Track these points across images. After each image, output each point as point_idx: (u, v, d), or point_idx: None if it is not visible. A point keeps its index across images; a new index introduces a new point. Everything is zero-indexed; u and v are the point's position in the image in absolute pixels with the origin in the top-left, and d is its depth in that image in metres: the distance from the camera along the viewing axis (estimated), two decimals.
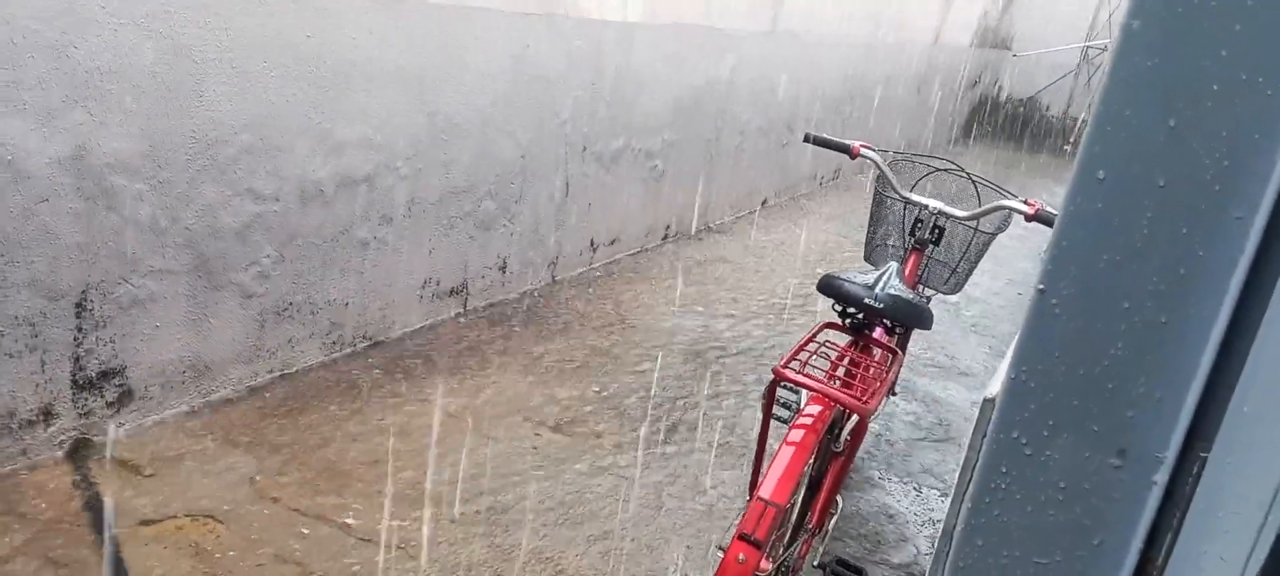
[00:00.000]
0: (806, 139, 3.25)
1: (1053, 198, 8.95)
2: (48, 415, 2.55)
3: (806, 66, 6.84)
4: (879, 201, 3.26)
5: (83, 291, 2.52)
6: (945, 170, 3.23)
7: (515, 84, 3.91)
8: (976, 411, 1.09)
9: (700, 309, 4.62)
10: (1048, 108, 13.33)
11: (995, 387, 0.77)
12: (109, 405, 2.71)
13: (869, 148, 3.10)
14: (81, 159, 2.42)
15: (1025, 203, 2.72)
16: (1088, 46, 12.79)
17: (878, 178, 3.13)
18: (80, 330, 2.55)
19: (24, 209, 2.33)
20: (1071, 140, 12.98)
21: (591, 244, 4.90)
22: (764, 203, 6.96)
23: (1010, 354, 0.75)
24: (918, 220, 2.95)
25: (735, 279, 5.21)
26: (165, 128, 2.59)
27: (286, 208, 3.06)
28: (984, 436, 0.69)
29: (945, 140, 11.73)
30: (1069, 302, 0.65)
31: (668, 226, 5.64)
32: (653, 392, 3.59)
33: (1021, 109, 13.40)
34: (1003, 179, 9.74)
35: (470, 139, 3.77)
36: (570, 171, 4.50)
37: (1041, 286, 0.67)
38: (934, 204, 2.90)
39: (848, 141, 3.10)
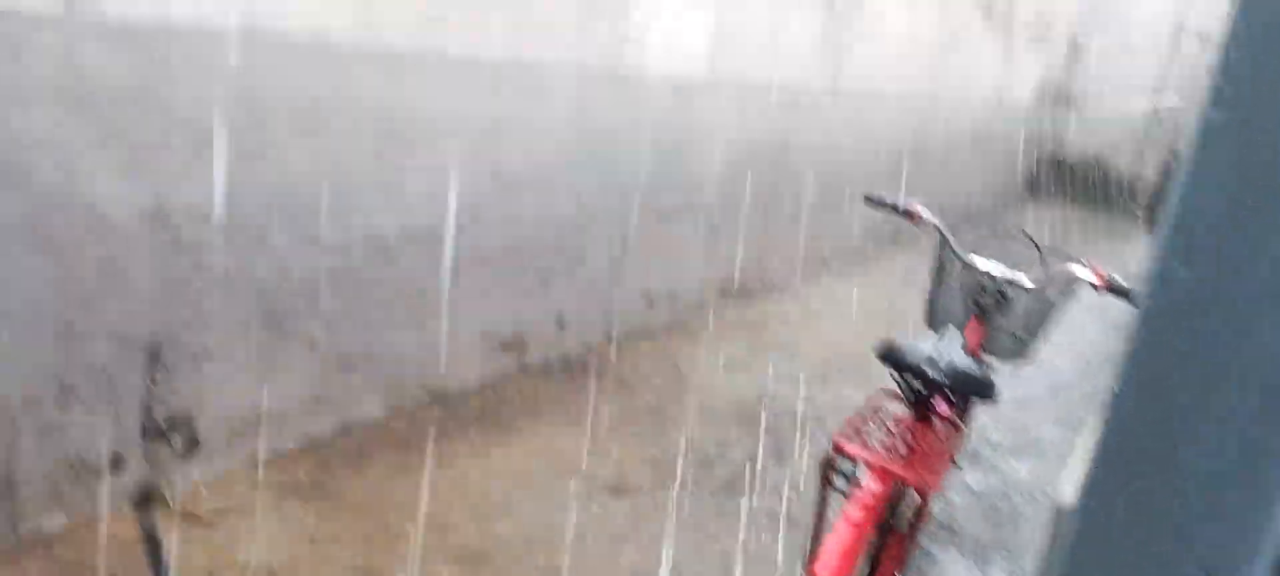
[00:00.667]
0: (866, 201, 3.22)
1: (1121, 262, 8.73)
2: (117, 464, 2.62)
3: (867, 123, 6.81)
4: (940, 265, 3.21)
5: (155, 341, 2.60)
6: (1009, 235, 3.18)
7: (577, 139, 3.96)
8: (1045, 490, 1.05)
9: (757, 368, 4.57)
10: (1115, 167, 13.05)
11: (1067, 490, 0.74)
12: (176, 454, 2.77)
13: (929, 211, 3.06)
14: (161, 209, 2.50)
15: (1094, 271, 2.65)
16: (1157, 106, 12.52)
17: (939, 241, 3.08)
18: (152, 379, 2.63)
19: (105, 258, 2.42)
20: (1141, 201, 12.68)
21: (649, 299, 4.91)
22: (823, 260, 6.91)
23: (1081, 449, 0.72)
24: (980, 286, 2.89)
25: (793, 337, 5.15)
26: (241, 179, 2.67)
27: (352, 259, 3.12)
28: (1058, 549, 0.66)
29: (1007, 199, 11.55)
30: (1146, 409, 0.63)
31: (725, 282, 5.62)
32: (707, 454, 3.55)
33: (1088, 167, 13.15)
34: (1069, 241, 9.52)
35: (532, 193, 3.83)
36: (629, 227, 4.53)
37: (1116, 391, 0.64)
38: (997, 269, 2.84)
39: (908, 203, 3.07)
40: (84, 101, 2.28)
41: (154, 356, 2.60)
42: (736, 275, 5.71)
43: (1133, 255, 9.45)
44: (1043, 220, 10.75)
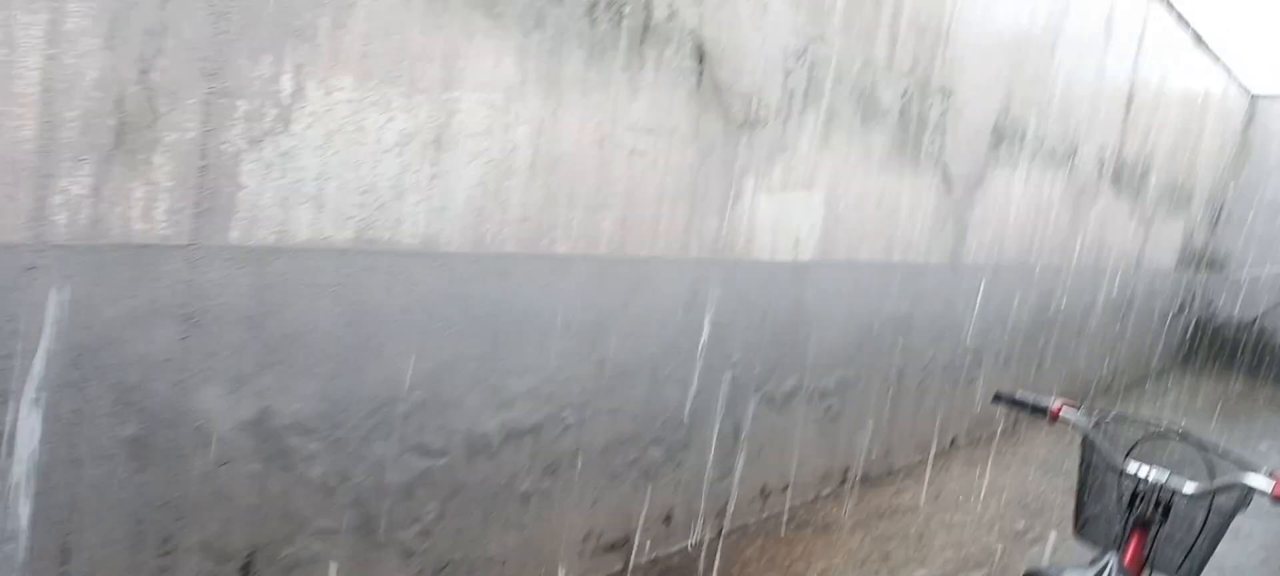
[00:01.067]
0: (996, 399, 2.96)
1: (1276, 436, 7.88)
2: None
3: (994, 298, 6.51)
4: (1087, 469, 2.89)
5: (250, 554, 2.57)
6: (1165, 433, 2.84)
7: (684, 328, 3.88)
8: None
9: (883, 569, 4.22)
10: (1274, 332, 12.06)
11: None
12: None
13: (1072, 406, 2.77)
14: (263, 421, 2.51)
15: (1270, 476, 2.31)
16: None
17: (1084, 441, 2.79)
18: None
19: (205, 472, 2.42)
20: None
21: (762, 492, 4.66)
22: (952, 443, 6.50)
23: None
24: (1136, 494, 2.57)
25: (921, 533, 4.77)
26: (344, 387, 2.68)
27: (453, 462, 3.07)
28: None
29: (1151, 371, 10.76)
30: None
31: (845, 471, 5.32)
32: None
33: (1242, 334, 12.19)
34: (1223, 417, 8.71)
35: (638, 385, 3.73)
36: (739, 415, 4.36)
37: None
38: (1154, 474, 2.52)
39: (1045, 401, 2.80)
40: (201, 322, 2.34)
41: (245, 570, 2.56)
42: (858, 462, 5.40)
43: None
44: (1191, 392, 9.93)
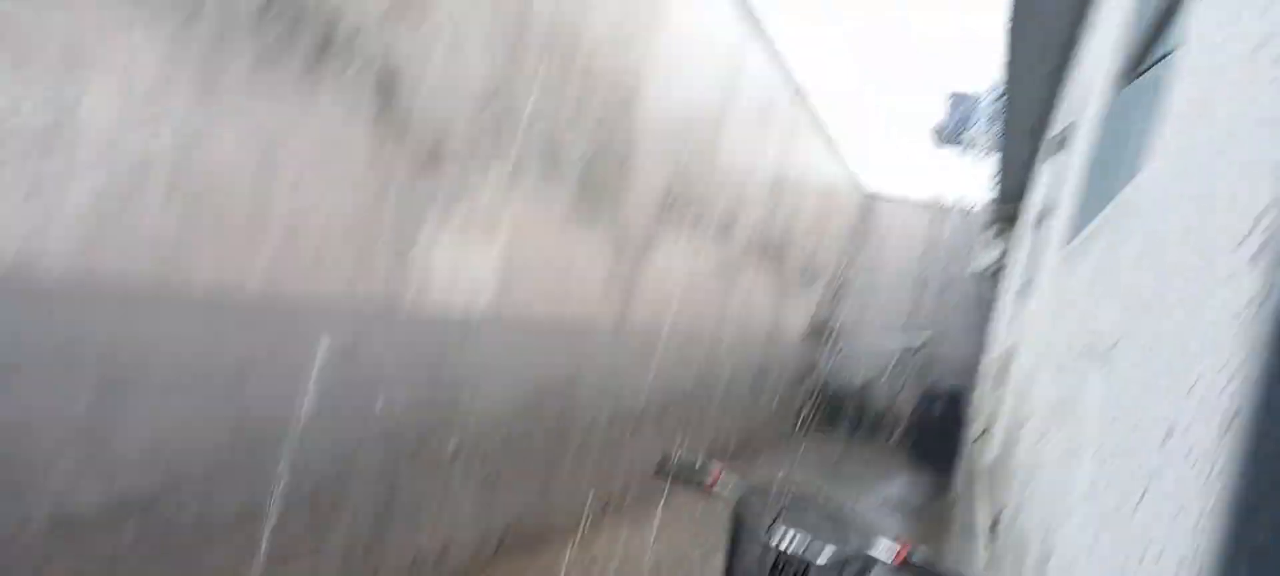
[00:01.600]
0: (658, 472, 2.98)
1: (888, 489, 9.07)
2: None
3: (657, 361, 6.77)
4: (735, 538, 2.97)
5: None
6: (809, 500, 3.01)
7: (342, 381, 3.51)
8: None
9: None
10: (875, 399, 13.93)
11: None
12: None
13: (725, 475, 2.84)
14: None
15: (895, 542, 2.50)
16: (908, 342, 13.64)
17: (733, 510, 2.87)
18: None
19: None
20: (899, 431, 13.51)
21: (417, 559, 4.35)
22: (615, 503, 6.60)
23: None
24: (777, 564, 2.68)
25: None
26: None
27: (29, 546, 2.45)
28: None
29: (783, 431, 11.91)
30: None
31: (507, 532, 5.15)
32: None
33: (853, 398, 13.94)
34: (834, 474, 9.83)
35: (283, 444, 3.29)
36: (397, 478, 4.04)
37: None
38: (794, 543, 2.64)
39: (704, 472, 2.85)
40: None
41: None
42: (519, 524, 5.26)
43: (893, 488, 9.86)
44: (813, 453, 11.10)
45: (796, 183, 9.67)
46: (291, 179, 3.02)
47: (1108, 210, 1.20)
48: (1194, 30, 0.77)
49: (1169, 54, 1.27)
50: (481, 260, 4.26)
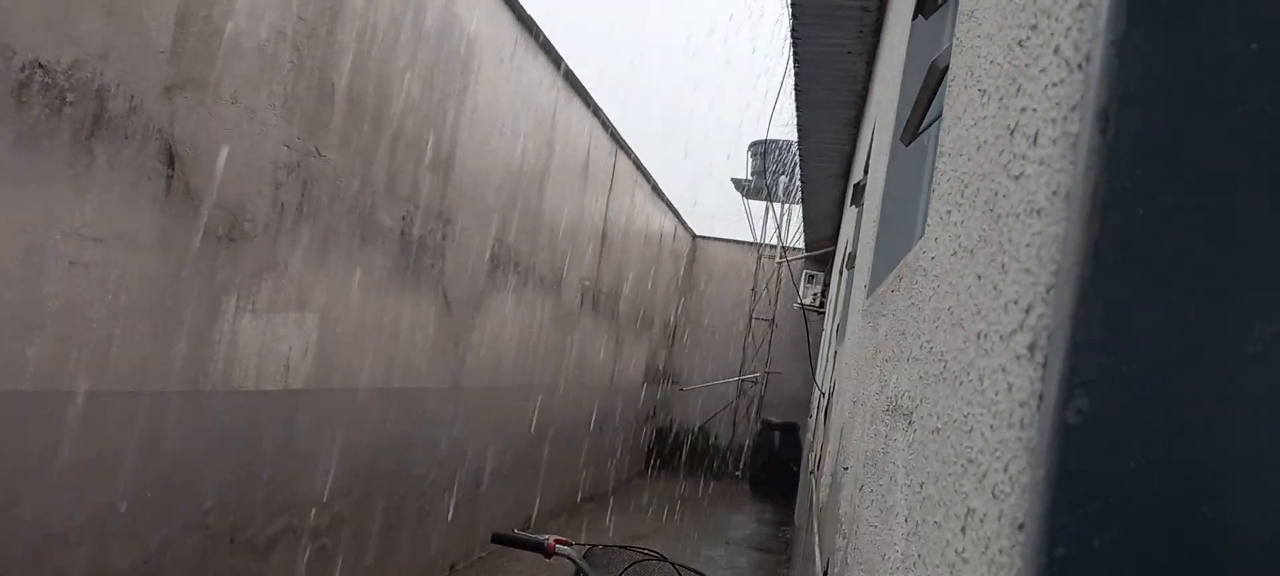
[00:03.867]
0: (495, 540, 2.90)
1: (734, 524, 9.21)
2: None
3: (492, 418, 6.61)
4: None
5: None
6: (648, 558, 2.99)
7: (142, 474, 3.20)
8: None
9: None
10: (716, 437, 14.20)
11: None
12: None
13: (565, 543, 2.79)
14: None
15: None
16: (742, 379, 14.02)
17: (577, 572, 2.81)
18: None
19: None
20: (740, 466, 13.81)
21: None
22: (453, 568, 6.35)
23: None
24: None
25: None
26: None
27: None
28: None
29: (628, 475, 11.91)
30: None
31: None
32: None
33: (694, 438, 14.15)
34: (686, 511, 9.90)
35: (74, 553, 2.95)
36: (213, 571, 3.71)
37: None
38: None
39: (542, 538, 2.79)
40: None
41: None
42: None
43: (741, 518, 10.04)
44: (661, 492, 11.15)
45: (624, 231, 9.79)
46: (67, 263, 2.74)
47: (899, 268, 1.24)
48: (949, 109, 0.79)
49: (938, 120, 1.33)
50: (296, 332, 4.02)
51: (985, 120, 0.68)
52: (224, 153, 3.35)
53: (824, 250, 11.72)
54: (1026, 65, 0.56)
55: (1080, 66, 0.45)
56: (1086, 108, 0.41)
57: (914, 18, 1.58)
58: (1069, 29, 0.48)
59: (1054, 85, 0.49)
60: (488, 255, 6.08)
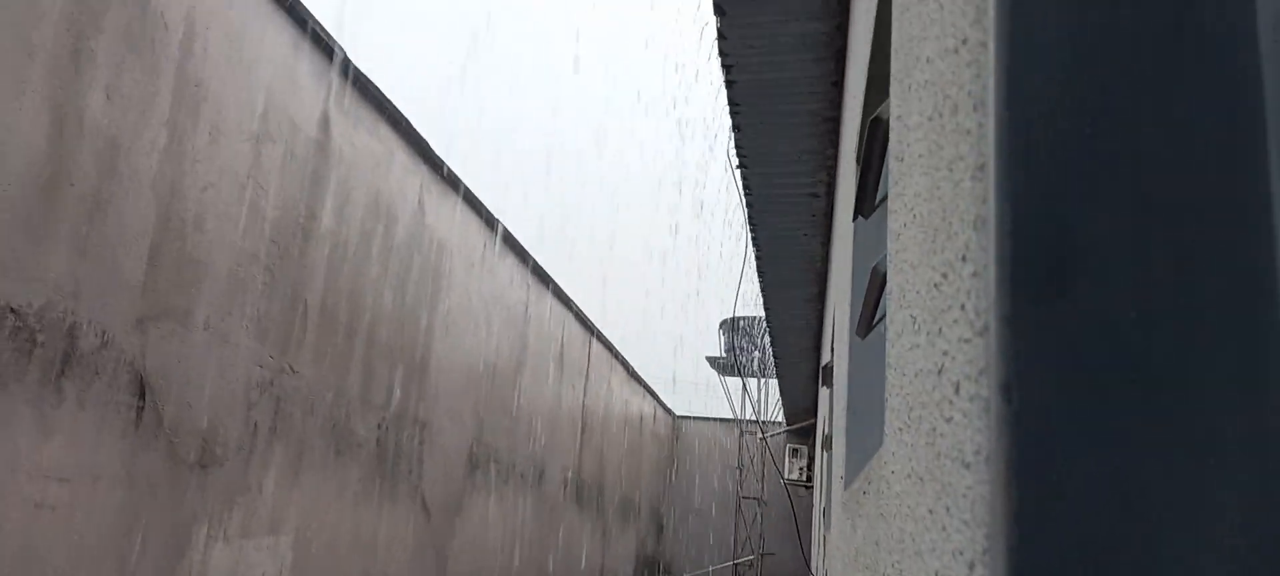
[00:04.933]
0: None
1: None
2: None
3: None
4: None
5: None
6: None
7: None
8: None
9: None
10: None
11: None
12: None
13: None
14: None
15: None
16: (736, 563, 13.61)
17: None
18: None
19: None
20: None
21: None
22: None
23: None
24: None
25: None
26: None
27: None
28: None
29: None
30: None
31: None
32: None
33: None
34: None
35: None
36: None
37: None
38: None
39: None
40: None
41: None
42: None
43: None
44: None
45: (603, 418, 9.73)
46: (32, 505, 2.66)
47: (867, 470, 1.24)
48: (890, 323, 0.82)
49: (883, 318, 1.37)
50: (270, 557, 3.88)
51: (918, 349, 0.70)
52: (196, 378, 3.34)
53: (805, 423, 11.67)
54: (944, 309, 0.58)
55: (981, 333, 0.47)
56: (991, 375, 0.43)
57: (854, 219, 1.66)
58: (970, 292, 0.51)
59: (964, 342, 0.52)
60: (466, 456, 6.00)
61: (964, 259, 0.53)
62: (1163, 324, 0.41)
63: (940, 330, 0.58)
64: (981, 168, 0.49)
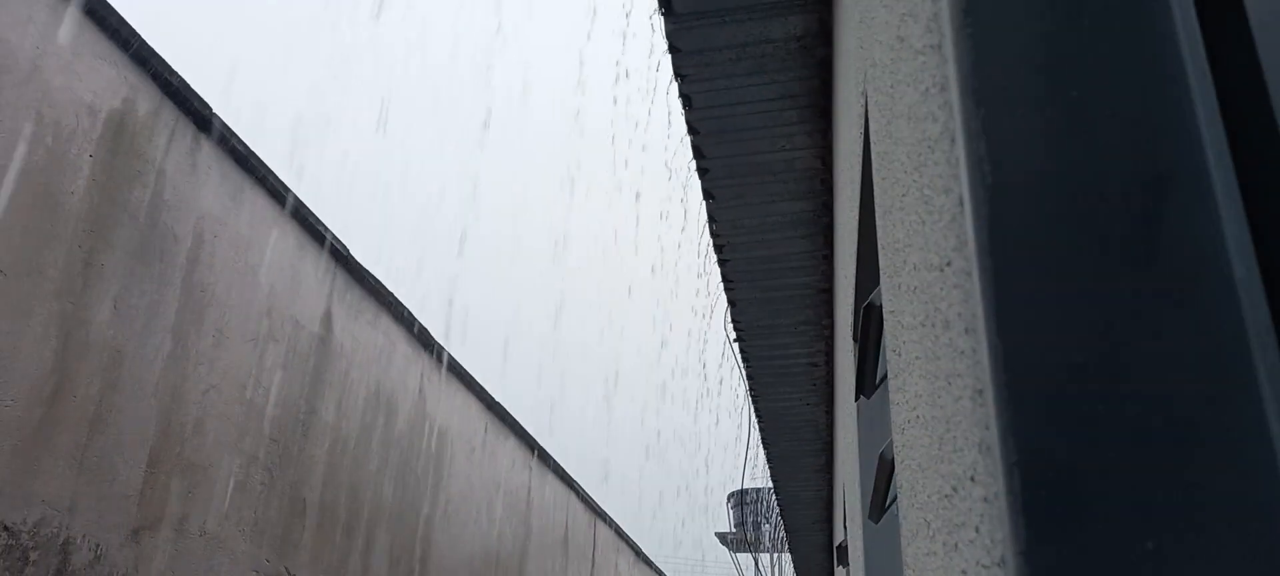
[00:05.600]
0: None
1: None
2: None
3: None
4: None
5: None
6: None
7: None
8: None
9: None
10: None
11: None
12: None
13: None
14: None
15: None
16: None
17: None
18: None
19: None
20: None
21: None
22: None
23: None
24: None
25: None
26: None
27: None
28: None
29: None
30: None
31: None
32: None
33: None
34: None
35: None
36: None
37: None
38: None
39: None
40: None
41: None
42: None
43: None
44: None
45: None
46: None
47: None
48: (903, 523, 0.81)
49: (894, 501, 1.34)
50: None
51: (935, 557, 0.68)
52: None
53: None
54: (959, 524, 0.58)
55: (1001, 565, 0.47)
56: None
57: (856, 398, 1.66)
58: (984, 517, 0.50)
59: (984, 568, 0.51)
60: None
61: (973, 479, 0.52)
62: (1176, 558, 0.40)
63: (957, 546, 0.57)
64: (980, 393, 0.50)
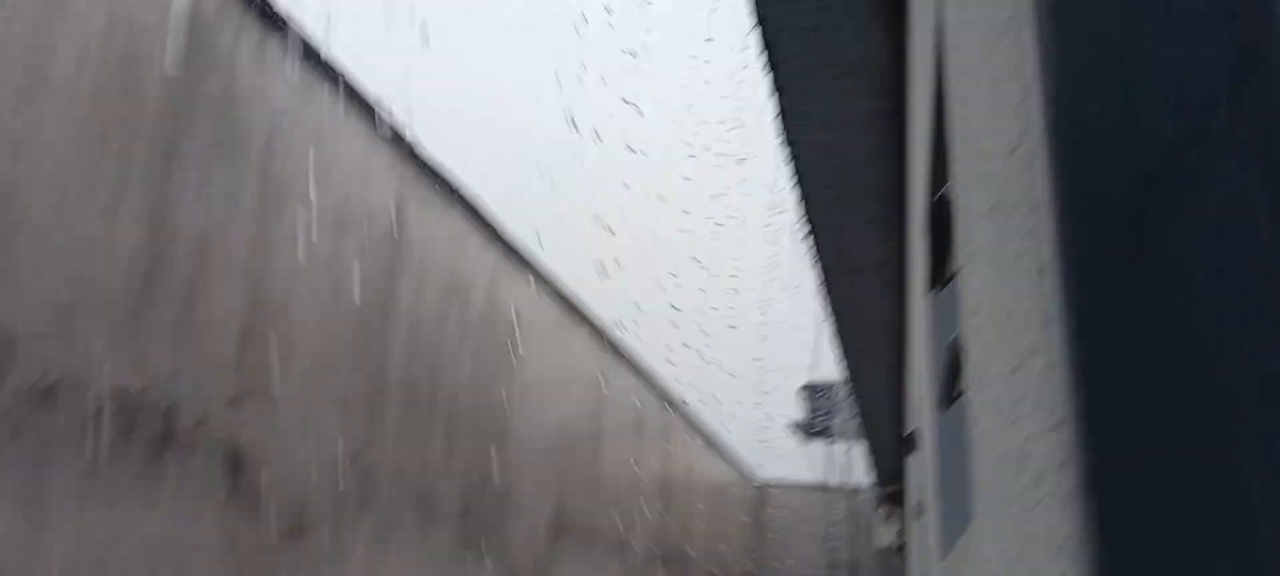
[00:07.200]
0: None
1: None
2: None
3: None
4: None
5: None
6: None
7: None
8: None
9: None
10: None
11: None
12: None
13: None
14: None
15: None
16: None
17: None
18: None
19: None
20: None
21: None
22: None
23: None
24: None
25: None
26: None
27: None
28: None
29: None
30: None
31: None
32: None
33: None
34: None
35: None
36: None
37: None
38: None
39: None
40: None
41: None
42: None
43: None
44: None
45: (686, 485, 9.65)
46: (147, 572, 2.79)
47: (961, 543, 1.22)
48: (971, 404, 0.82)
49: (962, 393, 1.35)
50: None
51: (999, 433, 0.70)
52: (287, 452, 3.46)
53: (894, 487, 11.34)
54: (1021, 397, 0.59)
55: (1059, 427, 0.48)
56: (1072, 468, 0.44)
57: (927, 292, 1.65)
58: (1044, 386, 0.51)
59: (1044, 432, 0.52)
60: (549, 523, 6.02)
61: (1035, 353, 0.54)
62: (1214, 424, 0.41)
63: (1019, 418, 0.59)
64: (1041, 271, 0.51)
